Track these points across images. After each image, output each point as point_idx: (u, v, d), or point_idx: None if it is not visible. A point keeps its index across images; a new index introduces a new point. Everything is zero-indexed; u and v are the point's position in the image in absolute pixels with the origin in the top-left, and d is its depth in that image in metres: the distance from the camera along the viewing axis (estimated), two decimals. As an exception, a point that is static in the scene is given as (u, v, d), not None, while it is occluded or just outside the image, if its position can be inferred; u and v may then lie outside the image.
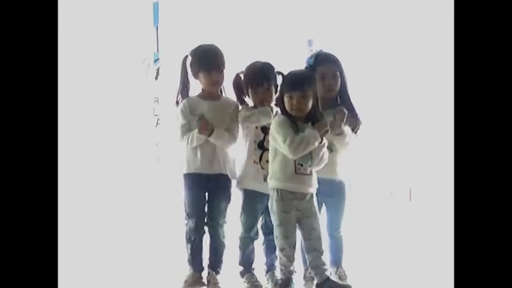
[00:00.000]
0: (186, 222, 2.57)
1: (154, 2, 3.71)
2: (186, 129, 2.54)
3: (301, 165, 2.34)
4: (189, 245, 2.56)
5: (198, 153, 2.53)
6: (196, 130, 2.49)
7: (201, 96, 2.61)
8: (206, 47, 2.59)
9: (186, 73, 2.61)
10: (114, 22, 3.60)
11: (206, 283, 2.54)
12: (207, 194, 2.56)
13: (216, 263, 2.57)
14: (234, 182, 2.61)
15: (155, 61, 3.70)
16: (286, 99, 2.35)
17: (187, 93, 2.62)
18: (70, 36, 3.28)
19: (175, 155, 2.67)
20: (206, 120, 2.49)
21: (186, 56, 2.60)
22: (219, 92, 2.64)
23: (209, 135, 2.49)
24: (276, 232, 2.37)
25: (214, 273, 2.54)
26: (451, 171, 1.94)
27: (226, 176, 2.57)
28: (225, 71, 2.58)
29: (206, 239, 2.59)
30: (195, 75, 2.59)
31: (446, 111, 2.75)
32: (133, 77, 3.67)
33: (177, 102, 2.61)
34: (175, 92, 2.64)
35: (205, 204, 2.56)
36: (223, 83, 2.63)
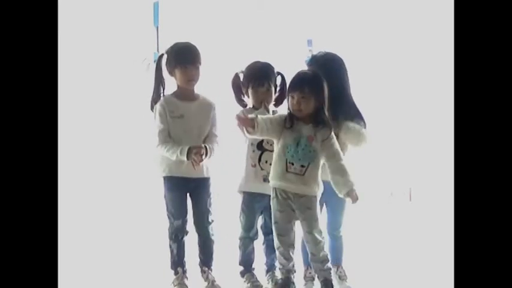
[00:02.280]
0: (171, 222, 2.54)
1: (155, 2, 3.73)
2: (165, 136, 2.45)
3: (292, 164, 2.34)
4: (175, 245, 2.54)
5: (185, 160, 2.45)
6: (183, 148, 2.39)
7: (177, 95, 2.53)
8: (182, 43, 2.54)
9: (161, 72, 2.55)
10: (114, 22, 3.61)
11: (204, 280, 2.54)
12: (188, 194, 2.54)
13: (207, 260, 2.56)
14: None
15: (155, 61, 3.70)
16: (289, 99, 2.36)
17: (163, 92, 2.54)
18: (70, 36, 3.29)
19: (153, 156, 2.57)
20: (199, 149, 2.41)
21: (162, 55, 2.56)
22: (195, 91, 2.55)
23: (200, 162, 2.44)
24: (273, 230, 2.39)
25: (208, 269, 2.54)
26: (451, 171, 1.94)
27: (208, 178, 2.56)
28: (201, 68, 2.51)
29: (190, 238, 2.58)
30: (171, 72, 2.52)
31: (446, 112, 2.75)
32: (133, 77, 3.67)
33: (152, 102, 2.53)
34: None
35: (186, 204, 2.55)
36: (207, 83, 2.58)
